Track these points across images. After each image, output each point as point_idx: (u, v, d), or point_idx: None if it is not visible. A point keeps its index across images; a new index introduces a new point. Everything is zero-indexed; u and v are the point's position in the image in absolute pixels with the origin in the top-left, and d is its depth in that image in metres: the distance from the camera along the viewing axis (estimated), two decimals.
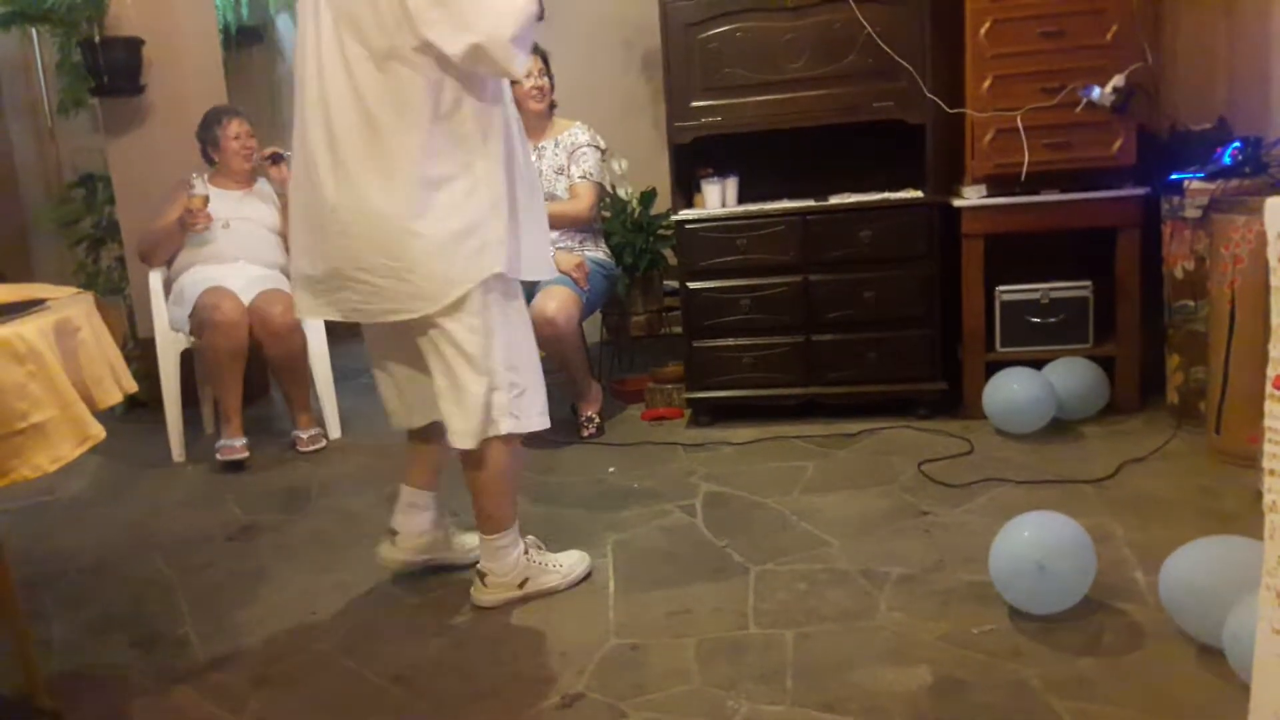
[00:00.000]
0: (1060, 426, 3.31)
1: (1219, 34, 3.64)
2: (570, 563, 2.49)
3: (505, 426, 2.25)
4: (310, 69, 2.15)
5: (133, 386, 2.06)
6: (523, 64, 2.11)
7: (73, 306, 1.90)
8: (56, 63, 4.84)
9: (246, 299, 3.70)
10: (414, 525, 2.52)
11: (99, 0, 4.16)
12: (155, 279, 3.86)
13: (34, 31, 5.27)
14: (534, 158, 3.34)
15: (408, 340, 2.28)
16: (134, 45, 4.27)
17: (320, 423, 3.91)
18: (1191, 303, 3.14)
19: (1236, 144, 3.07)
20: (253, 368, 3.80)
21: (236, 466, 3.62)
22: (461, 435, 2.24)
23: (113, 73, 4.24)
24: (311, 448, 3.80)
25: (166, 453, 3.81)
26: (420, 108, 2.07)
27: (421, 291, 2.14)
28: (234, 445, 3.64)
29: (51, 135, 5.85)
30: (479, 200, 2.15)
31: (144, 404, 4.17)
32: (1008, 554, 2.08)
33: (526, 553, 2.42)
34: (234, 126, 3.92)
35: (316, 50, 2.14)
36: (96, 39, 4.16)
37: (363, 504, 3.17)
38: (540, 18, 2.13)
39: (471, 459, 2.29)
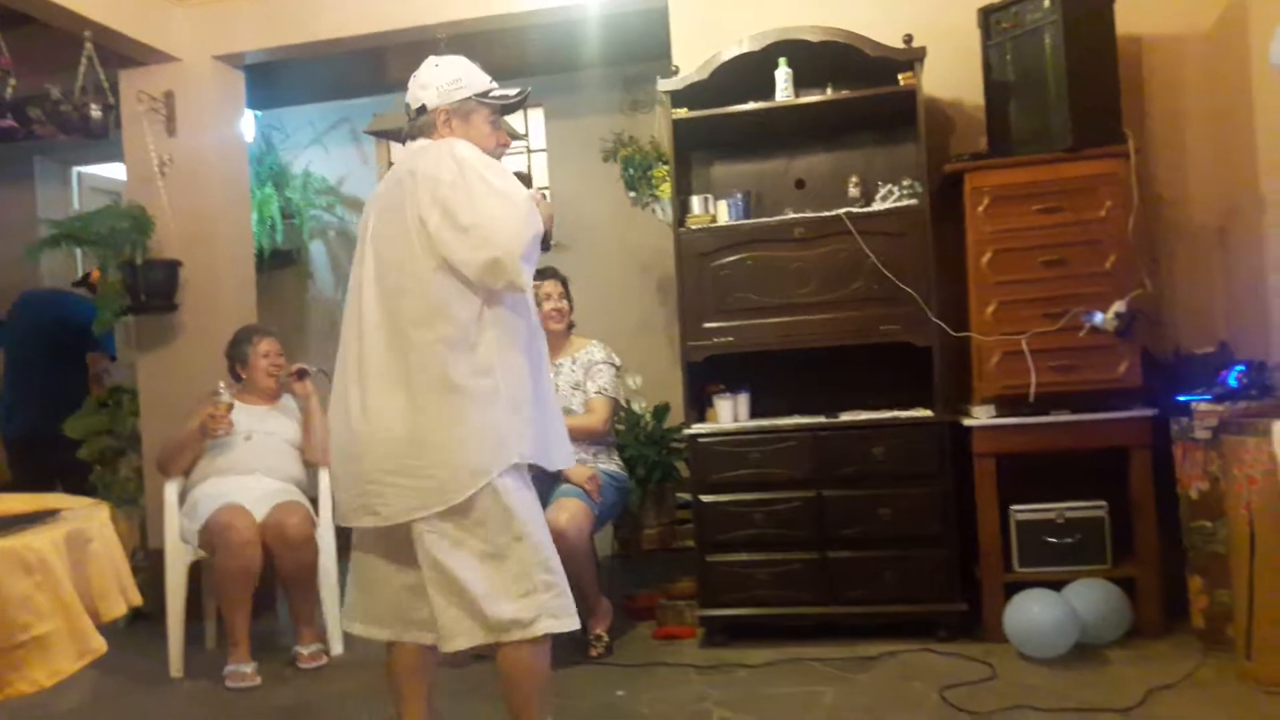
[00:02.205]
0: (1084, 650, 3.21)
1: (1215, 262, 3.80)
2: None
3: (544, 627, 2.26)
4: (352, 309, 2.37)
5: (138, 599, 2.05)
6: (528, 277, 2.26)
7: (87, 518, 1.92)
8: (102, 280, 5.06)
9: (261, 512, 3.70)
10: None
11: (145, 226, 4.41)
12: (171, 490, 3.87)
13: (78, 251, 5.56)
14: (552, 374, 3.43)
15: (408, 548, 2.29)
16: (172, 267, 4.49)
17: (323, 638, 3.82)
18: (1209, 524, 3.11)
19: (1241, 367, 3.13)
20: (260, 581, 3.75)
21: (245, 693, 3.50)
22: (490, 630, 2.24)
23: (150, 292, 4.44)
24: (313, 664, 3.70)
25: (165, 668, 3.70)
26: (444, 320, 2.23)
27: (444, 486, 2.21)
28: (244, 672, 3.54)
29: None
30: (500, 401, 2.25)
31: (146, 615, 4.09)
32: None
33: None
34: (264, 345, 4.05)
35: (358, 290, 2.35)
36: (139, 261, 4.38)
37: None
38: (547, 247, 2.35)
39: (504, 654, 2.28)
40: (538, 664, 2.32)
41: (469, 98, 2.41)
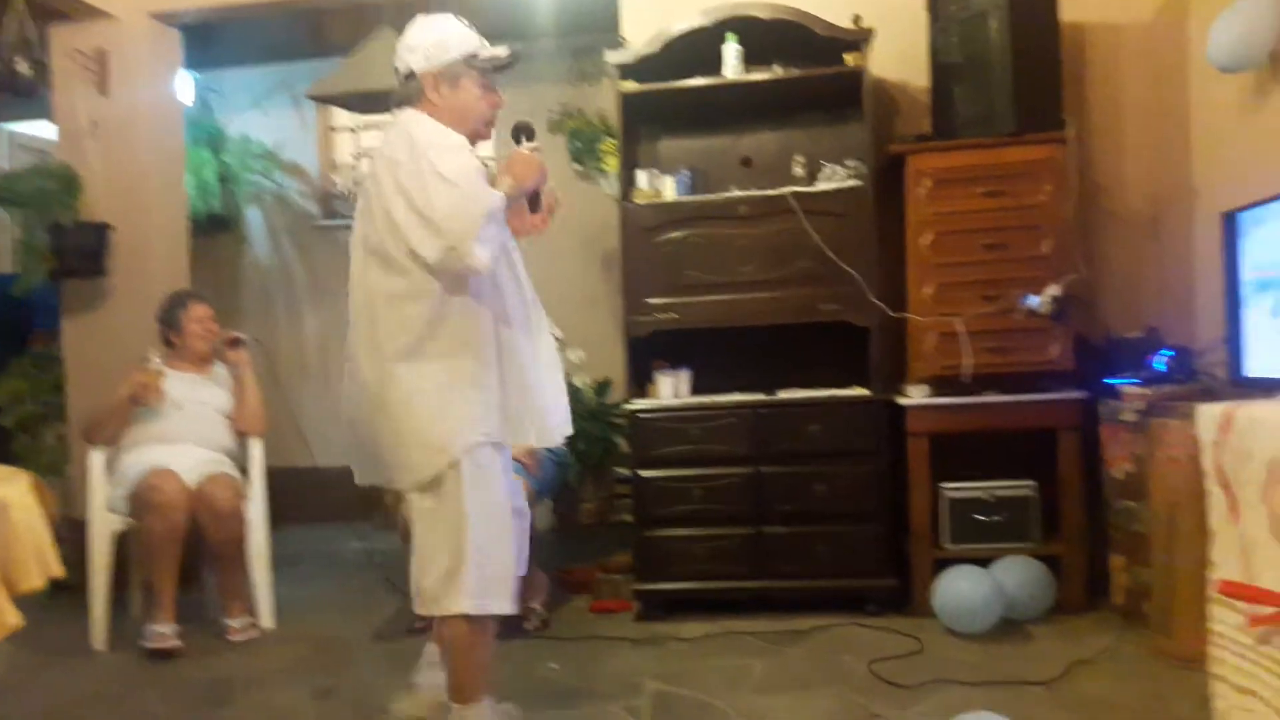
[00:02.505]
0: (1009, 625, 3.28)
1: (1147, 249, 3.88)
2: None
3: (464, 606, 2.28)
4: (351, 278, 2.43)
5: (59, 571, 2.00)
6: (485, 259, 2.21)
7: (7, 486, 1.86)
8: (19, 241, 4.90)
9: (191, 481, 3.64)
10: (432, 682, 2.57)
11: (73, 187, 4.28)
12: (97, 458, 3.78)
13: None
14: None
15: None
16: (102, 230, 4.36)
17: (253, 611, 3.77)
18: (1133, 504, 3.19)
19: (1168, 352, 3.21)
20: (187, 551, 3.69)
21: (163, 655, 3.45)
22: (421, 601, 2.33)
23: (78, 255, 4.31)
24: (242, 637, 3.65)
25: (87, 640, 3.62)
26: (409, 299, 2.28)
27: (407, 464, 2.31)
28: (163, 632, 3.48)
29: None
30: (463, 381, 2.29)
31: (70, 588, 3.98)
32: None
33: None
34: (198, 310, 3.95)
35: (352, 257, 2.43)
36: (66, 223, 4.25)
37: (293, 699, 3.03)
38: (536, 207, 2.41)
39: (439, 626, 2.39)
40: (469, 641, 2.32)
41: (456, 60, 2.35)
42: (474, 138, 2.41)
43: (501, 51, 2.41)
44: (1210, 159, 3.47)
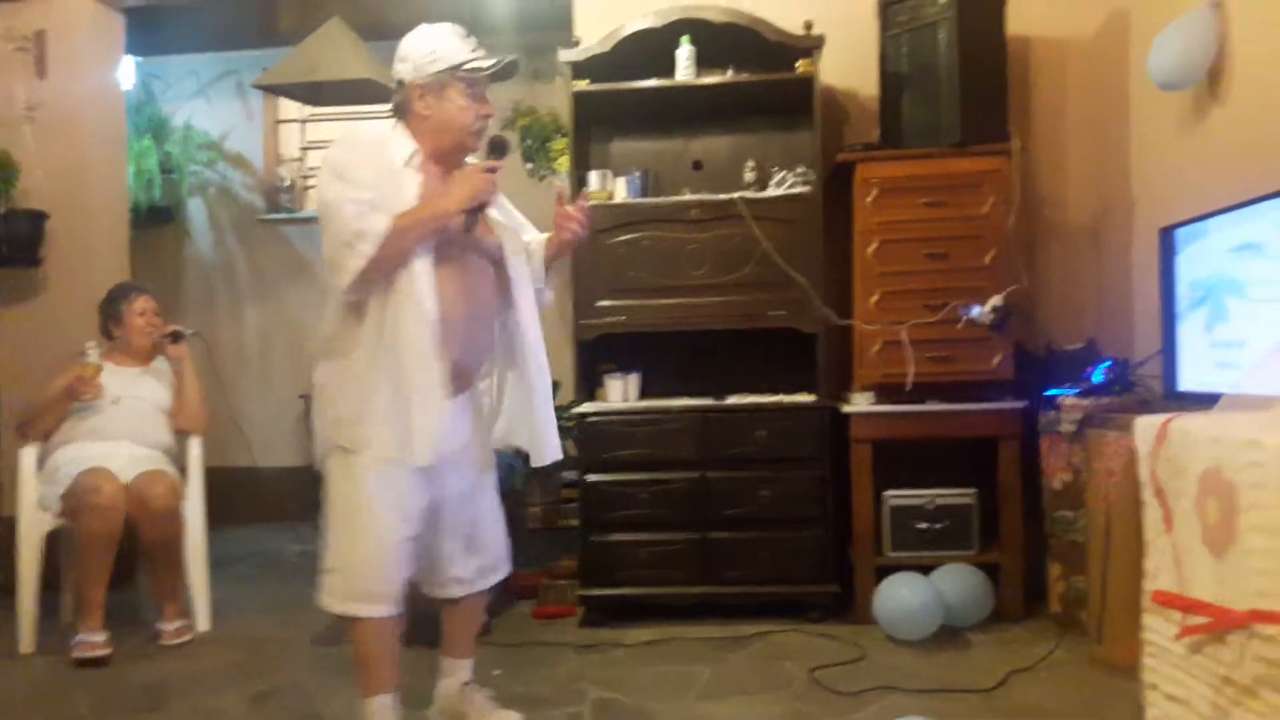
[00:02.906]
0: (948, 633, 3.32)
1: (1087, 262, 3.95)
2: None
3: (329, 604, 2.40)
4: None
5: None
6: (348, 278, 2.28)
7: None
8: None
9: (126, 479, 3.55)
10: (440, 688, 2.69)
11: (9, 173, 4.16)
12: (29, 454, 3.67)
13: None
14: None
15: None
16: (38, 219, 4.25)
17: (188, 613, 3.69)
18: (1070, 514, 3.25)
19: (1107, 364, 3.27)
20: (121, 551, 3.59)
21: (92, 664, 3.35)
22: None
23: (12, 244, 4.19)
24: (176, 640, 3.57)
25: (15, 643, 3.51)
26: (331, 303, 2.41)
27: (318, 448, 2.46)
28: (93, 641, 3.37)
29: None
30: (350, 386, 2.35)
31: None
32: None
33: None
34: (141, 303, 3.85)
35: None
36: (0, 210, 4.13)
37: (228, 704, 2.97)
38: (468, 229, 2.38)
39: None
40: (354, 638, 2.42)
41: (443, 71, 2.36)
42: (460, 149, 2.44)
43: (484, 62, 2.39)
44: (1149, 174, 3.54)
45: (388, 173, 2.33)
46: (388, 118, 2.48)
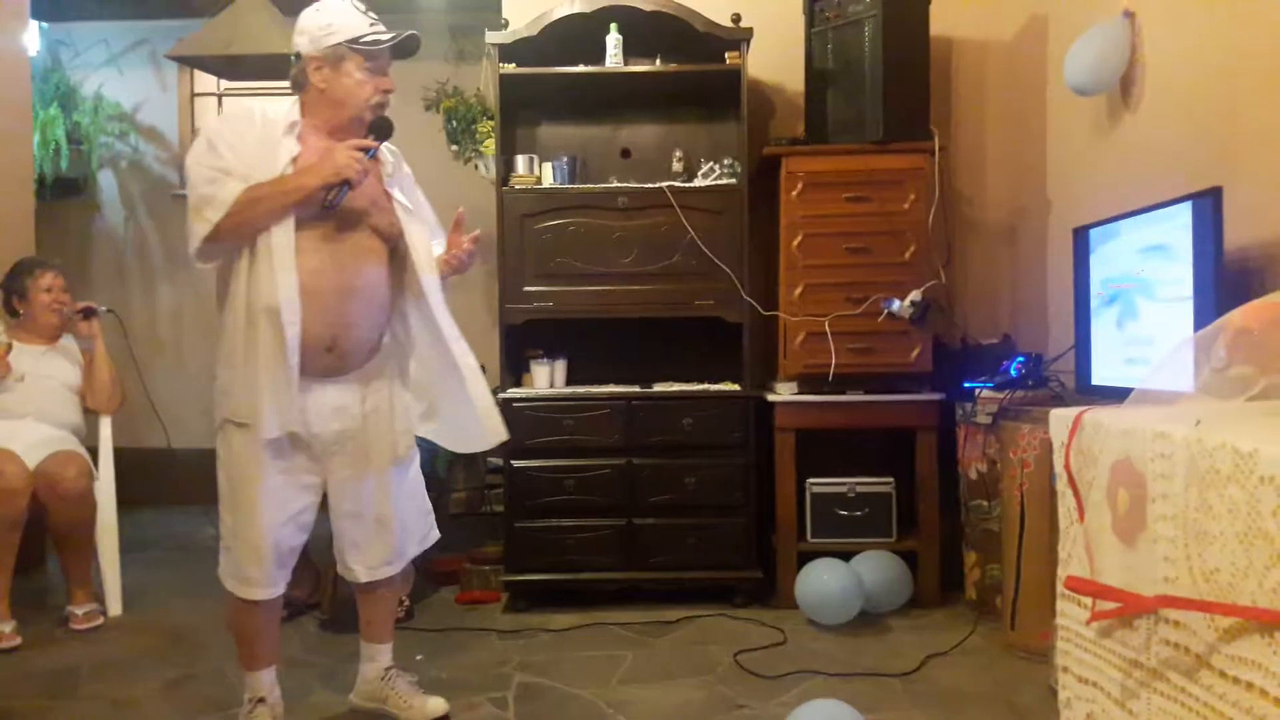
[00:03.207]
0: (868, 618, 3.40)
1: (1003, 261, 4.07)
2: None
3: (224, 580, 2.45)
4: None
5: None
6: (199, 250, 2.31)
7: None
8: None
9: (33, 460, 3.43)
10: (361, 672, 2.69)
11: None
12: None
13: None
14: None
15: None
16: None
17: (99, 598, 3.59)
18: (985, 502, 3.35)
19: (1020, 358, 3.38)
20: (28, 534, 3.47)
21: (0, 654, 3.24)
22: None
23: None
24: (86, 625, 3.47)
25: None
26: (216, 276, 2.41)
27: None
28: (1, 631, 3.28)
29: None
30: (225, 354, 2.37)
31: None
32: None
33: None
34: (47, 279, 3.72)
35: None
36: None
37: (139, 691, 2.90)
38: (329, 207, 2.35)
39: None
40: (230, 613, 2.50)
41: (340, 44, 2.34)
42: (358, 124, 2.41)
43: (384, 35, 2.37)
44: (1064, 175, 3.66)
45: (266, 142, 2.32)
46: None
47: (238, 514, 2.39)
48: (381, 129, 2.42)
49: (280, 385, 2.30)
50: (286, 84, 2.46)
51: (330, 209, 2.33)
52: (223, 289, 2.38)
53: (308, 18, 2.38)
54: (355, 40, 2.34)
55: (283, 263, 2.28)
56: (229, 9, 4.61)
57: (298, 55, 2.38)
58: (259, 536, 2.37)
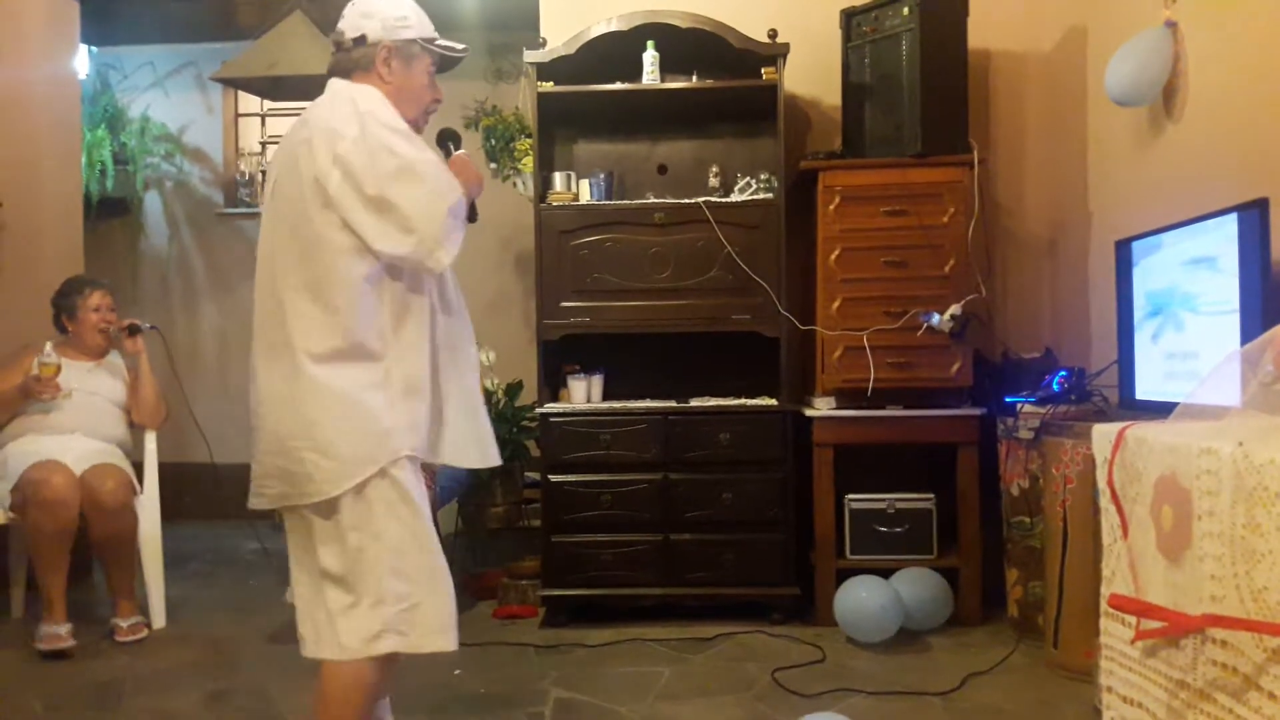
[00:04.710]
0: (908, 636, 3.37)
1: (1044, 272, 4.03)
2: None
3: (387, 645, 1.98)
4: (258, 271, 2.13)
5: None
6: (447, 259, 2.05)
7: None
8: None
9: (79, 472, 3.49)
10: None
11: None
12: None
13: None
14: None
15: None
16: None
17: (144, 610, 3.64)
18: (1028, 519, 3.31)
19: (1063, 372, 3.33)
20: (77, 545, 3.54)
21: (58, 656, 3.30)
22: (306, 642, 2.05)
23: None
24: (131, 638, 3.52)
25: None
26: (332, 288, 1.99)
27: (315, 475, 1.97)
28: (58, 633, 3.33)
29: None
30: (390, 385, 2.03)
31: None
32: None
33: None
34: (96, 298, 3.80)
35: (260, 247, 2.14)
36: None
37: (182, 704, 2.93)
38: (473, 218, 2.15)
39: (322, 675, 2.03)
40: (350, 684, 2.01)
41: (415, 39, 2.14)
42: (411, 126, 2.13)
43: (458, 45, 2.25)
44: (1105, 187, 3.62)
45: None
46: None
47: (433, 555, 2.05)
48: (457, 139, 2.30)
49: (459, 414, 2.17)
50: None
51: (473, 219, 2.17)
52: (368, 311, 2.01)
53: (376, 3, 2.14)
54: (430, 41, 2.19)
55: (450, 279, 2.19)
56: (272, 31, 4.69)
57: (362, 38, 2.11)
58: (448, 577, 2.08)
